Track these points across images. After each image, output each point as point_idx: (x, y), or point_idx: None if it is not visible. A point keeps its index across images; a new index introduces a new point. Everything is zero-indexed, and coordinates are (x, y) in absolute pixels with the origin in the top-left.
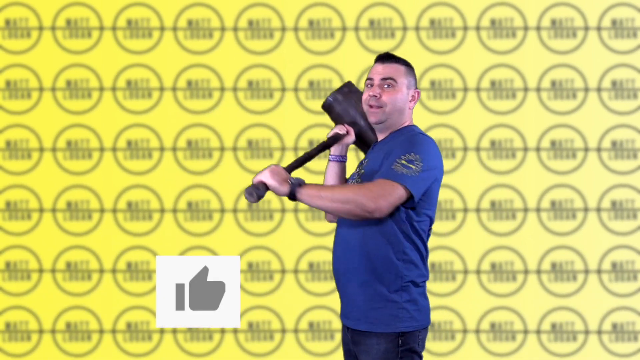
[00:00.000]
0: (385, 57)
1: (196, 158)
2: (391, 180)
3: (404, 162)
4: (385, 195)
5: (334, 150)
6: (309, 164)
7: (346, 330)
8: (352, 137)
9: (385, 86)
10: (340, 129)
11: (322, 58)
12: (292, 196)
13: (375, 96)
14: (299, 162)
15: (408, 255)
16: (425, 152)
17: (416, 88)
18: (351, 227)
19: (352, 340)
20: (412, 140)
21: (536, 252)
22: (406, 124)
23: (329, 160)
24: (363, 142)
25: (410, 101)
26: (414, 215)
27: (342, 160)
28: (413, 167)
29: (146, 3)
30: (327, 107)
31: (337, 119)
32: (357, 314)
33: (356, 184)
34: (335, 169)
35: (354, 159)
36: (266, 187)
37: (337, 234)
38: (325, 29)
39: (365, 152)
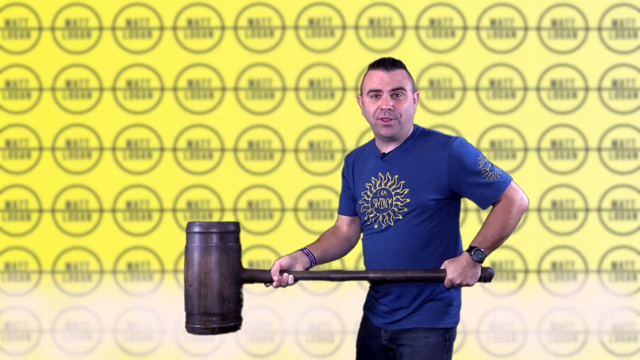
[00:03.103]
0: (390, 64)
1: (197, 158)
2: (502, 187)
3: (486, 170)
4: (516, 195)
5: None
6: (311, 166)
7: (378, 331)
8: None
9: (396, 96)
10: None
11: (322, 56)
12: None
13: (390, 109)
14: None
15: (454, 253)
16: (478, 154)
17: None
18: (394, 230)
19: (392, 338)
20: (464, 150)
21: (537, 252)
22: (412, 127)
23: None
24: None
25: (414, 104)
26: (457, 211)
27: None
28: (488, 169)
29: (146, 3)
30: None
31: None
32: (404, 312)
33: (494, 211)
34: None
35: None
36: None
37: (377, 240)
38: (326, 27)
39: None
